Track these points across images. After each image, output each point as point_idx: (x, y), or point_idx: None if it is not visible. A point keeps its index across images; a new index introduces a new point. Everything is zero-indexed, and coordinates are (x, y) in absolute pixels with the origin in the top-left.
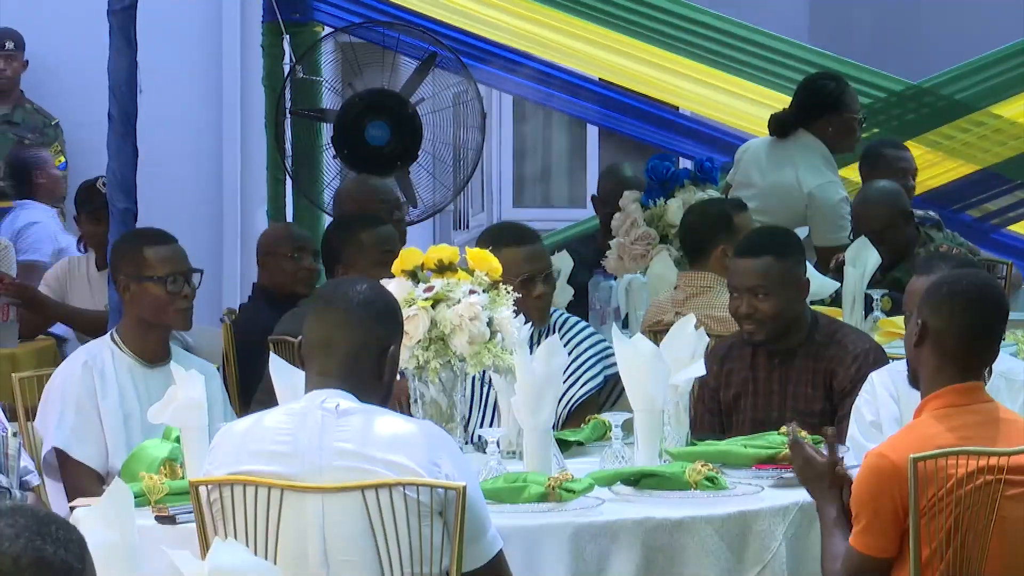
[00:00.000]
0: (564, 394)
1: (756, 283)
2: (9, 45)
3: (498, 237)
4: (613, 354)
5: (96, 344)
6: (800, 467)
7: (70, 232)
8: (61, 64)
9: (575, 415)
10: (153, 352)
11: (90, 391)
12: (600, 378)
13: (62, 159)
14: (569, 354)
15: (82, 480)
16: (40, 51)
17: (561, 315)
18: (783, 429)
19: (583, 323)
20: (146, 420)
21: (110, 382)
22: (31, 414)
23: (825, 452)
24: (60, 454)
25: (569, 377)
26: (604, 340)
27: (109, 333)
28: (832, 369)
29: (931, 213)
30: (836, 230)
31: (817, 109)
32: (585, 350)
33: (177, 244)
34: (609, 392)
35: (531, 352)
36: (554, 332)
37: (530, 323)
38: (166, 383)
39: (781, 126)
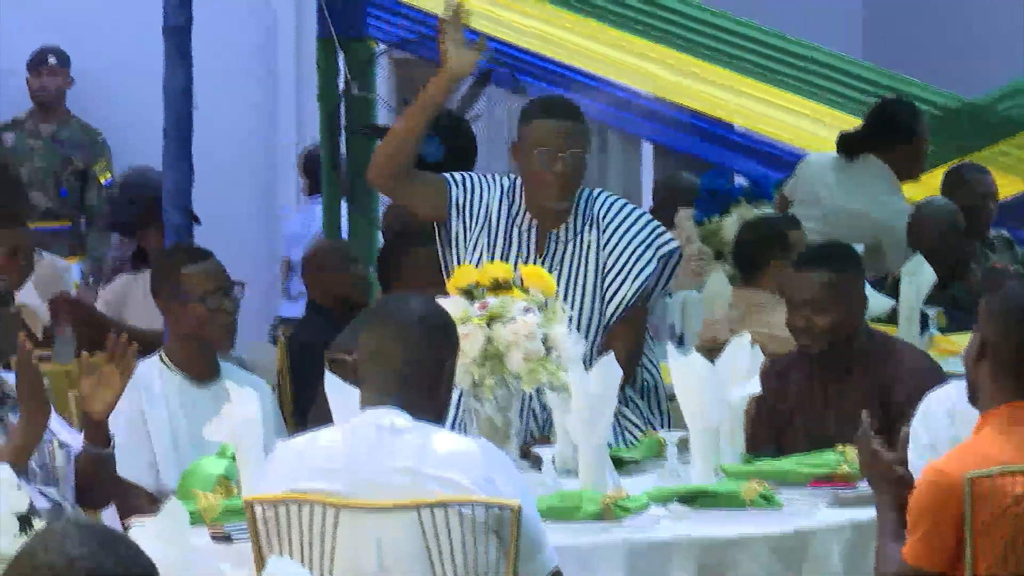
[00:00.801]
0: (616, 292)
1: (815, 296)
2: (52, 60)
3: (530, 109)
4: (663, 230)
5: (145, 363)
6: (866, 461)
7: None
8: (109, 80)
9: (626, 318)
10: (201, 369)
11: (138, 409)
12: (653, 264)
13: (108, 175)
14: (615, 245)
15: (132, 499)
16: (88, 67)
17: (604, 200)
18: (839, 447)
19: (628, 207)
20: (196, 438)
21: (159, 400)
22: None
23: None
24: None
25: (620, 272)
26: (652, 219)
27: (158, 352)
28: (889, 385)
29: (1004, 232)
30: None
31: (890, 135)
32: (633, 237)
33: (213, 259)
34: (662, 269)
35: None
36: (596, 225)
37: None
38: (216, 400)
39: (850, 147)
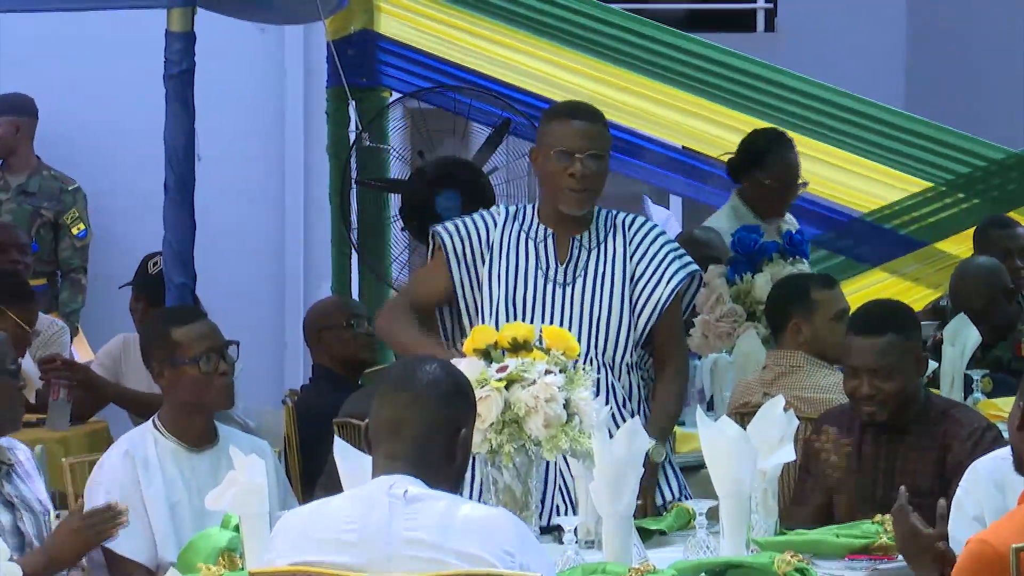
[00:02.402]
0: (651, 296)
1: (878, 364)
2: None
3: (550, 111)
4: (684, 252)
5: (138, 432)
6: (903, 538)
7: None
8: (89, 129)
9: (667, 316)
10: (198, 436)
11: (133, 482)
12: (683, 273)
13: (82, 226)
14: (644, 253)
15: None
16: (60, 114)
17: (627, 215)
18: (878, 516)
19: (652, 222)
20: (196, 507)
21: (154, 470)
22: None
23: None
24: (106, 552)
25: (652, 278)
26: (674, 240)
27: (151, 420)
28: (947, 444)
29: None
30: None
31: (745, 164)
32: (661, 247)
33: (206, 319)
34: (685, 290)
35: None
36: (620, 232)
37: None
38: (214, 467)
39: (731, 176)
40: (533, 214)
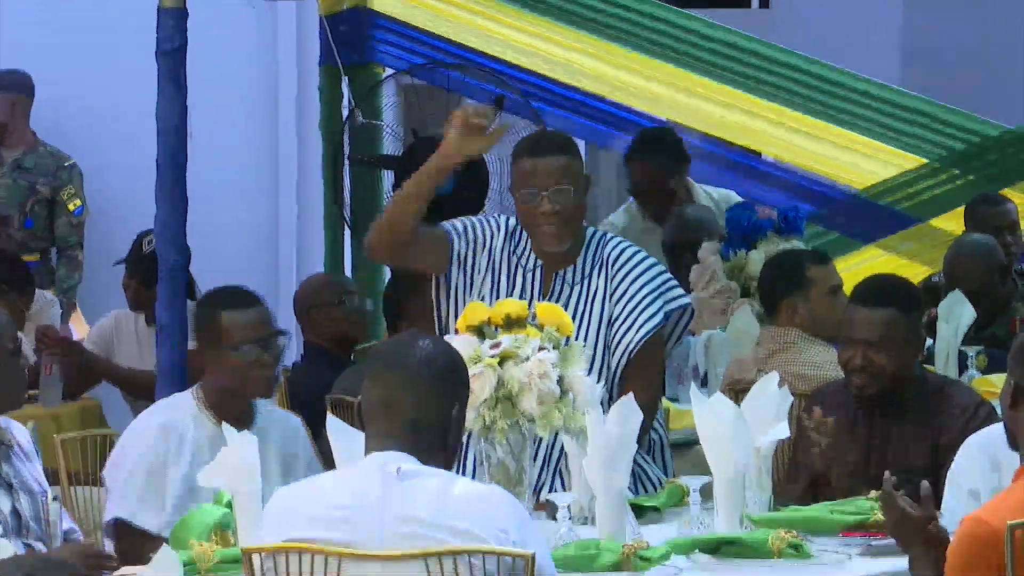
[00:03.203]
0: (621, 340)
1: (877, 336)
2: None
3: (516, 148)
4: (674, 286)
5: (178, 403)
6: (894, 522)
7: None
8: (92, 106)
9: (633, 362)
10: (236, 418)
11: (162, 459)
12: (659, 316)
13: (79, 202)
14: (623, 294)
15: (146, 550)
16: (62, 92)
17: (616, 246)
18: (872, 492)
19: (640, 256)
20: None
21: (187, 450)
22: (74, 478)
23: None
24: (123, 524)
25: (624, 321)
26: (665, 272)
27: (192, 389)
28: (940, 423)
29: None
30: None
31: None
32: (641, 287)
33: (258, 307)
34: (674, 326)
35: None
36: (605, 268)
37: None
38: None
39: None
40: (526, 238)
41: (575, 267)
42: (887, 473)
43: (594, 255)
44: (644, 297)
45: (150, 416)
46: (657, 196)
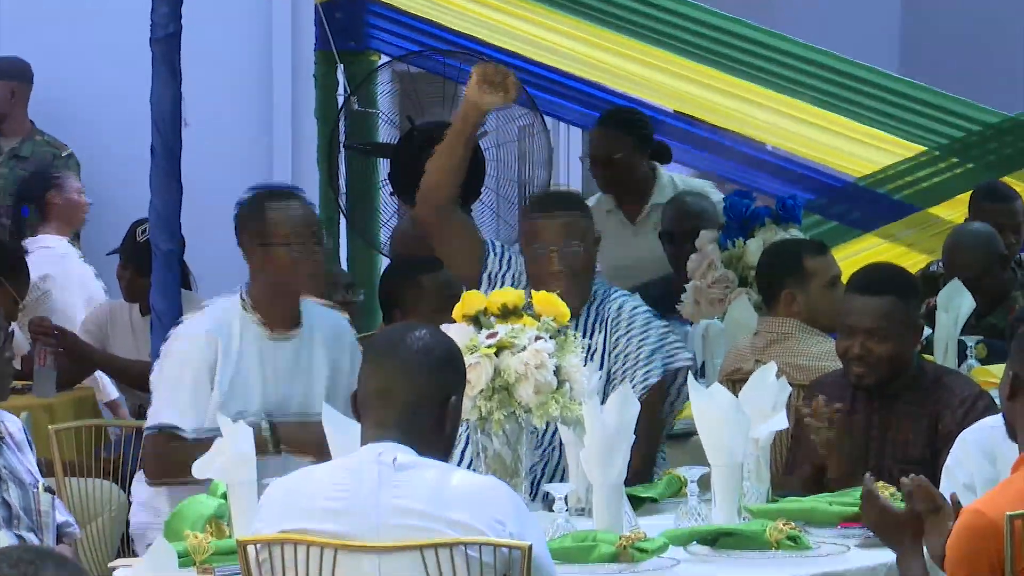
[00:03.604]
0: None
1: (875, 324)
2: None
3: (529, 204)
4: (675, 342)
5: (225, 308)
6: (875, 519)
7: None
8: (87, 94)
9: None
10: (283, 317)
11: (210, 365)
12: (659, 372)
13: None
14: (622, 351)
15: (190, 457)
16: (58, 81)
17: (618, 301)
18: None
19: (640, 309)
20: (267, 396)
21: (232, 358)
22: (68, 469)
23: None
24: (167, 431)
25: (623, 377)
26: (667, 328)
27: (239, 292)
28: (938, 412)
29: None
30: None
31: None
32: (640, 344)
33: (301, 201)
34: (671, 383)
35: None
36: (605, 326)
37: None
38: (296, 355)
39: None
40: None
41: (577, 323)
42: (868, 475)
43: (596, 311)
44: (643, 356)
45: (198, 322)
46: (612, 169)
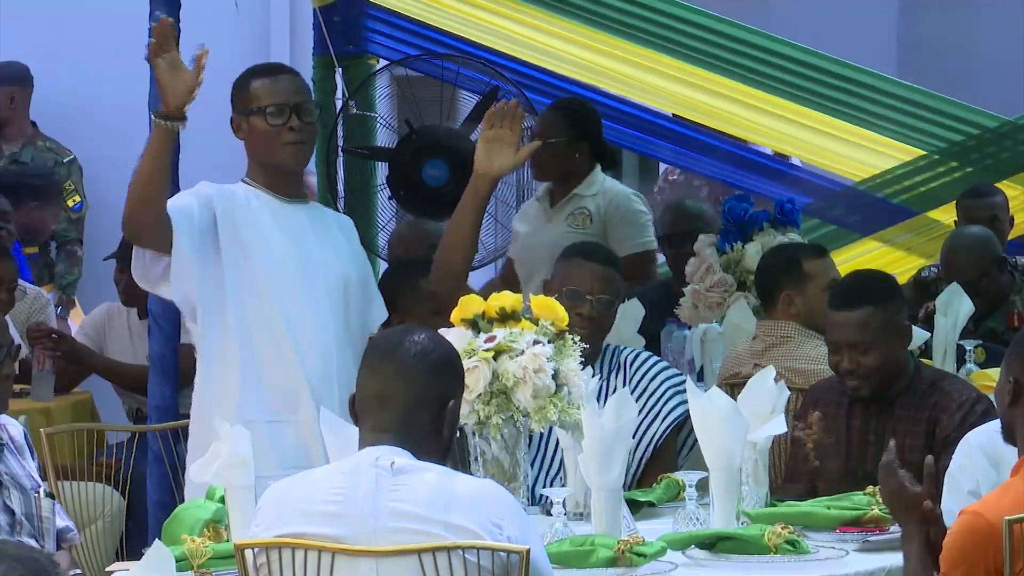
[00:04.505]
0: (646, 432)
1: (857, 338)
2: None
3: (567, 250)
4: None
5: (227, 186)
6: (890, 493)
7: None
8: (89, 99)
9: (664, 448)
10: (284, 189)
11: (224, 205)
12: (681, 410)
13: (77, 198)
14: (644, 390)
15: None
16: (57, 84)
17: (631, 352)
18: (869, 488)
19: (656, 357)
20: (300, 252)
21: (255, 214)
22: (62, 472)
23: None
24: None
25: (649, 413)
26: (681, 374)
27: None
28: (936, 416)
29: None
30: None
31: None
32: (663, 383)
33: (289, 75)
34: (689, 431)
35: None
36: (623, 370)
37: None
38: (311, 219)
39: None
40: None
41: (593, 369)
42: (891, 442)
43: (611, 360)
44: (666, 391)
45: (208, 184)
46: (546, 152)
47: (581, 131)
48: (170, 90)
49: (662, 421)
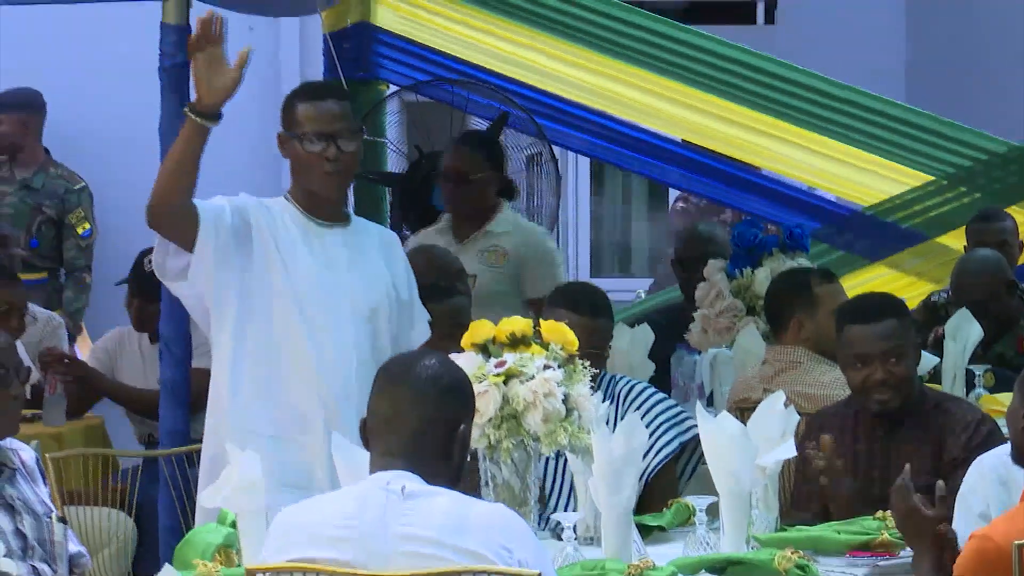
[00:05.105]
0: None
1: (889, 345)
2: None
3: (551, 297)
4: (688, 418)
5: (267, 199)
6: (903, 516)
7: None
8: (99, 123)
9: (651, 487)
10: (323, 213)
11: (246, 222)
12: (675, 443)
13: (87, 225)
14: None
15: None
16: (68, 109)
17: (627, 383)
18: (879, 512)
19: (651, 390)
20: (329, 278)
21: (290, 234)
22: (74, 497)
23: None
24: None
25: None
26: (677, 405)
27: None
28: (942, 439)
29: None
30: None
31: None
32: (656, 416)
33: (334, 100)
34: (688, 459)
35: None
36: (621, 403)
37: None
38: (347, 244)
39: None
40: None
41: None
42: (906, 466)
43: (605, 390)
44: (659, 426)
45: (245, 196)
46: (465, 187)
47: (497, 165)
48: (204, 86)
49: (653, 457)
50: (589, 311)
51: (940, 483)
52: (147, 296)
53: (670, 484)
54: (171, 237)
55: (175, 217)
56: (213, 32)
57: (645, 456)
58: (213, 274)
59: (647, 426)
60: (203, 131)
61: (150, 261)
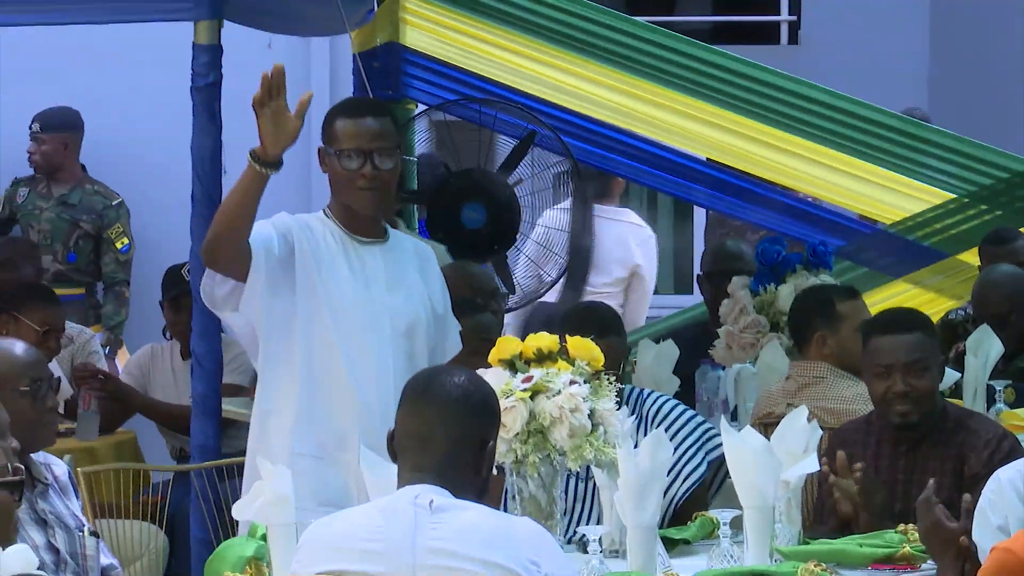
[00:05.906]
0: (665, 493)
1: (912, 358)
2: (35, 128)
3: (562, 321)
4: (714, 434)
5: (304, 215)
6: (927, 529)
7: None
8: (133, 141)
9: (681, 514)
10: (363, 230)
11: (289, 241)
12: (703, 467)
13: (125, 240)
14: None
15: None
16: (103, 128)
17: (655, 401)
18: (900, 526)
19: (680, 408)
20: (369, 296)
21: (330, 250)
22: (104, 511)
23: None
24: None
25: (669, 473)
26: (703, 421)
27: (322, 209)
28: (963, 455)
29: None
30: None
31: None
32: (683, 439)
33: (374, 117)
34: (712, 477)
35: None
36: (649, 422)
37: None
38: (386, 260)
39: None
40: None
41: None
42: (931, 481)
43: (633, 409)
44: (687, 449)
45: (285, 215)
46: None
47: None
48: (270, 138)
49: (682, 482)
50: (596, 331)
51: (967, 496)
52: (175, 302)
53: (699, 508)
54: (225, 273)
55: (231, 258)
56: (276, 87)
57: (674, 483)
58: (263, 302)
59: (675, 450)
60: (263, 179)
61: (187, 271)
